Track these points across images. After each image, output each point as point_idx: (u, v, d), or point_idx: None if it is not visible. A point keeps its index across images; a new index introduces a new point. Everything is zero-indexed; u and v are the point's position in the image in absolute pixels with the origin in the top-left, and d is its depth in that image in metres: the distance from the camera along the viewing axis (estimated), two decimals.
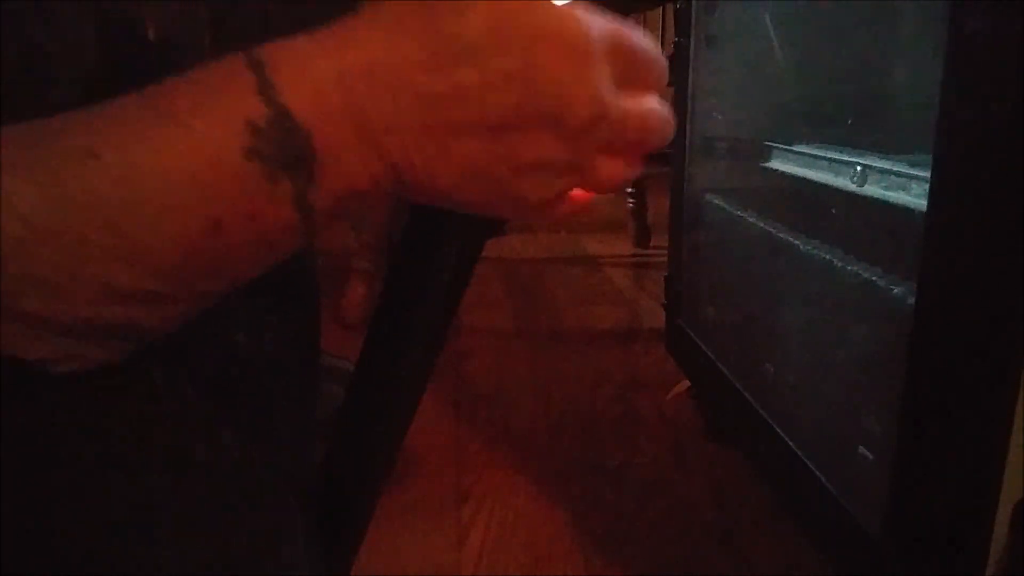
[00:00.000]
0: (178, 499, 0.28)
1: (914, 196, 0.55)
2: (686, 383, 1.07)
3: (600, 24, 0.29)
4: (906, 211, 0.54)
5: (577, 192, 0.33)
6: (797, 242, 0.69)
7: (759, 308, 0.79)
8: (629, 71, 0.30)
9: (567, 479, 0.92)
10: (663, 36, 3.04)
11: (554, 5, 0.29)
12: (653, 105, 0.31)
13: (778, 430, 0.67)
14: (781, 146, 0.79)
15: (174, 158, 0.26)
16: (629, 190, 1.90)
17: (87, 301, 0.26)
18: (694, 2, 0.90)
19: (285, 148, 0.27)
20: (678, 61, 0.94)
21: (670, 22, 2.81)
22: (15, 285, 0.25)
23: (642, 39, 0.31)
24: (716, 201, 0.91)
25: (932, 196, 0.43)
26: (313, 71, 0.28)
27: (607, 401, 1.14)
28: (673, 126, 0.32)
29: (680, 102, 0.96)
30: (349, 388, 0.44)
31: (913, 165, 0.57)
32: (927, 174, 0.43)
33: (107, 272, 0.26)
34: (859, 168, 0.63)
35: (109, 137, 0.26)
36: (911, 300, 0.46)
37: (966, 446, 0.41)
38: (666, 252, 1.05)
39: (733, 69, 0.90)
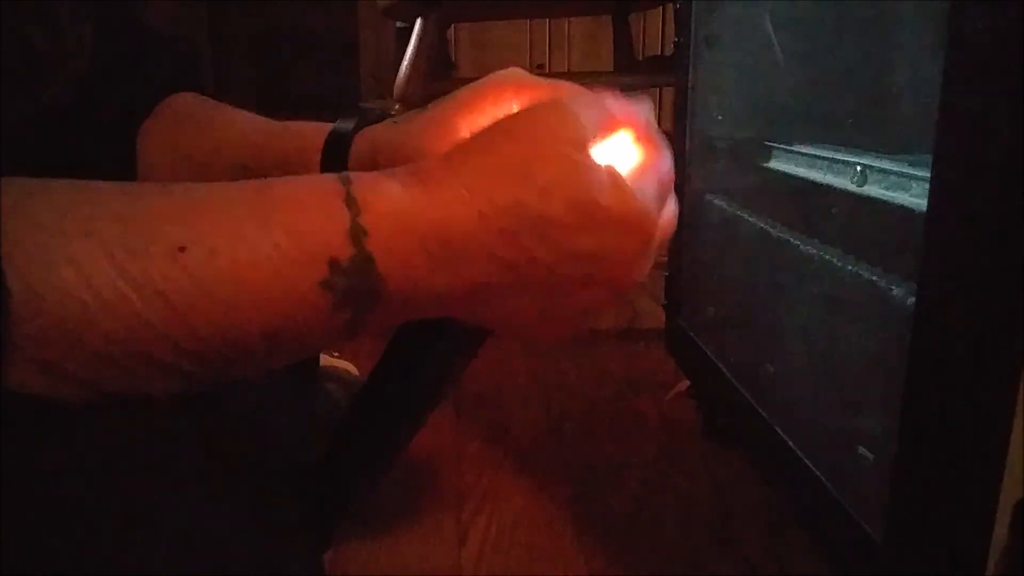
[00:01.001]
0: (176, 499, 0.28)
1: (914, 196, 0.55)
2: (686, 383, 1.07)
3: (653, 181, 0.34)
4: (906, 211, 0.54)
5: None
6: (797, 242, 0.69)
7: (759, 308, 0.79)
8: (664, 195, 0.35)
9: (567, 479, 0.92)
10: (663, 36, 3.04)
11: (627, 190, 0.32)
12: (671, 214, 0.36)
13: (778, 430, 0.67)
14: (781, 146, 0.79)
15: (255, 273, 0.28)
16: None
17: (132, 373, 0.27)
18: (694, 2, 0.90)
19: (359, 287, 0.29)
20: (678, 61, 0.94)
21: (670, 22, 2.81)
22: (70, 349, 0.26)
23: (668, 160, 0.36)
24: (716, 201, 0.91)
25: (932, 196, 0.43)
26: (404, 228, 0.30)
27: (606, 401, 1.14)
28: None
29: (680, 102, 0.96)
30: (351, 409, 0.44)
31: (913, 165, 0.57)
32: (927, 174, 0.43)
33: (155, 352, 0.27)
34: (859, 168, 0.63)
35: (199, 234, 0.27)
36: (911, 300, 0.46)
37: (966, 446, 0.41)
38: (666, 252, 1.05)
39: (733, 69, 0.90)
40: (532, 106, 0.34)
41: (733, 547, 0.79)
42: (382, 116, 0.44)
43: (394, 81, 1.52)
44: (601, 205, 0.31)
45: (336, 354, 0.98)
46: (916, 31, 0.61)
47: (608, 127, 0.35)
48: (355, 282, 0.29)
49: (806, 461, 0.62)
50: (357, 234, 0.29)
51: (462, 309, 0.33)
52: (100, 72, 0.42)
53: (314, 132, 0.44)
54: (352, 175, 0.31)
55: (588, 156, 0.31)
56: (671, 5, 1.25)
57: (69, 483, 0.26)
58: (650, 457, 0.97)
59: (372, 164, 0.41)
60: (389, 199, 0.30)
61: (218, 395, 0.36)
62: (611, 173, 0.32)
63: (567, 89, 0.37)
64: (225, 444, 0.32)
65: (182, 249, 0.27)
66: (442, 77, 1.75)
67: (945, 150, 0.41)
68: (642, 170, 0.35)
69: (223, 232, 0.28)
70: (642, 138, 0.37)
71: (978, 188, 0.39)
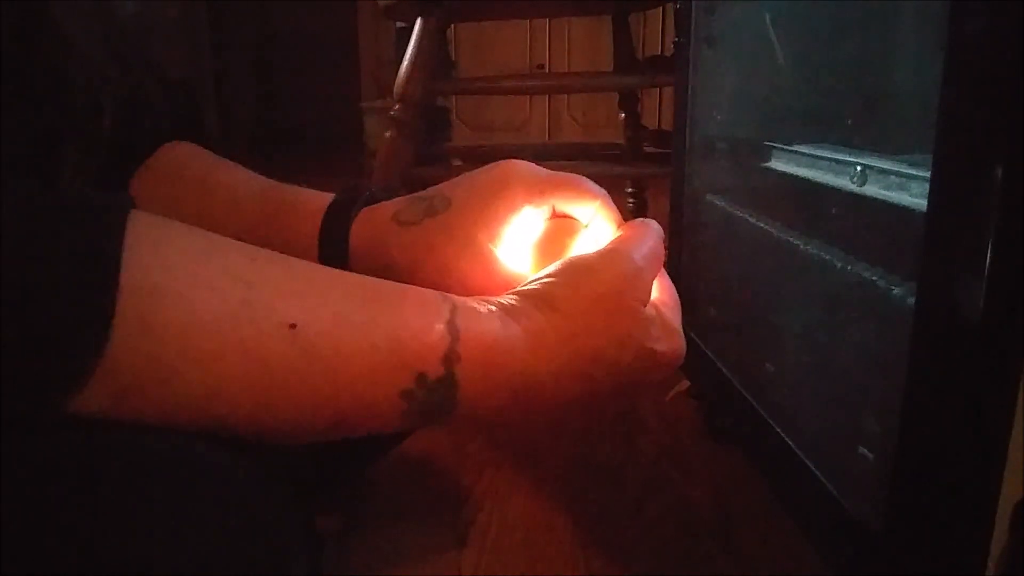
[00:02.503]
0: (175, 498, 0.28)
1: (914, 196, 0.55)
2: (686, 383, 1.07)
3: (678, 310, 0.42)
4: (906, 211, 0.54)
5: None
6: (797, 242, 0.69)
7: (759, 308, 0.79)
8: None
9: (567, 479, 0.92)
10: (663, 36, 3.05)
11: (676, 333, 0.39)
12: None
13: (778, 430, 0.67)
14: (781, 146, 0.79)
15: (348, 366, 0.29)
16: (629, 190, 1.90)
17: (195, 415, 0.28)
18: (694, 2, 0.90)
19: (435, 405, 0.31)
20: (678, 61, 0.94)
21: (670, 22, 2.81)
22: (146, 386, 0.26)
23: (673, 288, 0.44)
24: (716, 201, 0.91)
25: (932, 196, 0.43)
26: (495, 365, 0.32)
27: None
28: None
29: (680, 102, 0.96)
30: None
31: (913, 165, 0.57)
32: (927, 174, 0.43)
33: (240, 413, 0.28)
34: (859, 168, 0.63)
35: (311, 317, 0.29)
36: (911, 300, 0.46)
37: (966, 446, 0.41)
38: (666, 252, 1.05)
39: (733, 69, 0.90)
40: (605, 255, 0.38)
41: (733, 547, 0.79)
42: (378, 195, 0.45)
43: (394, 81, 1.52)
44: (659, 352, 0.36)
45: None
46: (916, 31, 0.61)
47: (657, 268, 0.41)
48: (433, 400, 0.31)
49: (806, 461, 0.62)
50: (450, 358, 0.31)
51: (511, 425, 0.38)
52: (112, 152, 0.43)
53: (314, 205, 0.45)
54: (456, 300, 0.33)
55: (648, 308, 0.37)
56: (671, 5, 1.25)
57: (68, 483, 0.26)
58: (650, 457, 0.97)
59: (378, 254, 0.42)
60: (488, 334, 0.32)
61: None
62: (664, 321, 0.38)
63: (576, 187, 0.43)
64: (224, 444, 0.32)
65: (293, 326, 0.28)
66: (442, 77, 1.75)
67: (945, 150, 0.41)
68: (671, 303, 0.42)
69: (332, 318, 0.29)
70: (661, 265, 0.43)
71: (978, 188, 0.39)
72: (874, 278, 0.56)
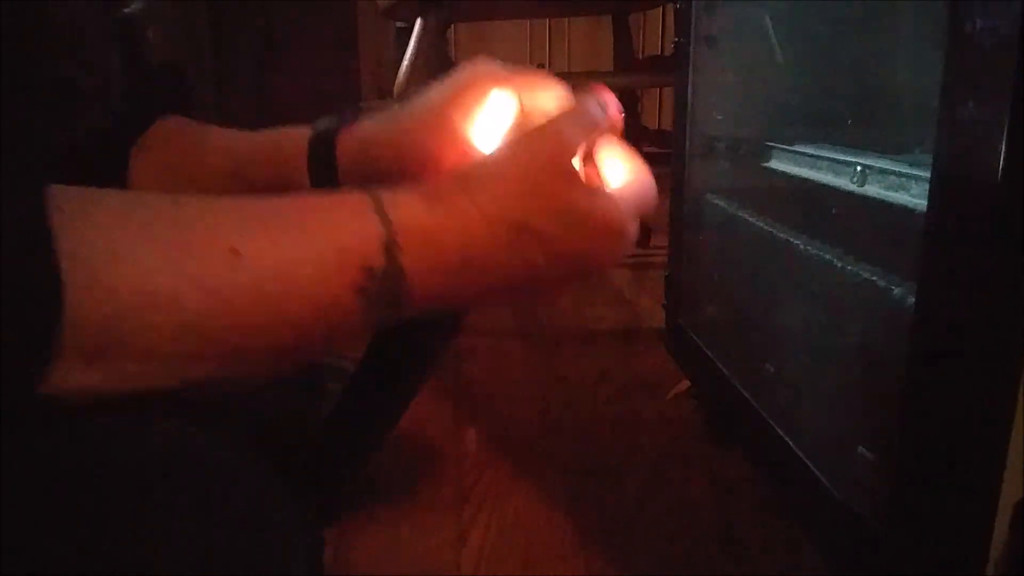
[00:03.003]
0: (175, 498, 0.28)
1: (914, 196, 0.55)
2: (686, 383, 1.07)
3: (632, 186, 0.41)
4: (906, 211, 0.54)
5: None
6: (797, 242, 0.69)
7: (759, 308, 0.79)
8: (639, 187, 0.42)
9: (567, 479, 0.92)
10: (663, 36, 3.05)
11: (608, 200, 0.38)
12: (645, 195, 0.42)
13: (778, 430, 0.67)
14: (781, 146, 0.79)
15: (299, 274, 0.31)
16: None
17: (173, 365, 0.29)
18: (694, 2, 0.90)
19: (388, 294, 0.32)
20: (678, 61, 0.94)
21: (670, 22, 2.81)
22: (117, 344, 0.27)
23: (646, 175, 0.43)
24: (716, 201, 0.91)
25: (932, 196, 0.43)
26: (429, 244, 0.34)
27: (607, 401, 1.14)
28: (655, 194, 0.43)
29: (680, 102, 0.96)
30: (346, 389, 0.46)
31: (913, 165, 0.57)
32: (927, 174, 0.43)
33: (204, 347, 0.29)
34: (859, 168, 0.63)
35: (250, 238, 0.30)
36: (911, 300, 0.46)
37: (966, 446, 0.41)
38: (666, 252, 1.05)
39: (733, 69, 0.90)
40: (531, 133, 0.39)
41: (733, 547, 0.79)
42: (357, 113, 0.46)
43: (394, 81, 1.52)
44: (589, 216, 0.36)
45: (337, 354, 0.98)
46: (916, 31, 0.61)
47: (591, 139, 0.40)
48: (386, 290, 0.32)
49: (806, 461, 0.62)
50: (391, 248, 0.32)
51: (465, 307, 0.38)
52: (126, 101, 0.44)
53: (299, 135, 0.47)
54: (380, 191, 0.34)
55: (577, 176, 0.37)
56: (671, 5, 1.25)
57: (68, 482, 0.26)
58: (650, 457, 0.97)
59: (364, 160, 0.43)
60: (416, 216, 0.34)
61: (216, 394, 0.36)
62: (594, 189, 0.38)
63: (539, 79, 0.43)
64: (225, 444, 0.32)
65: (235, 252, 0.29)
66: (442, 77, 1.75)
67: (945, 150, 0.41)
68: (621, 174, 0.41)
69: (270, 238, 0.30)
70: (615, 140, 0.42)
71: (978, 188, 0.39)
72: (874, 278, 0.56)
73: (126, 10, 0.47)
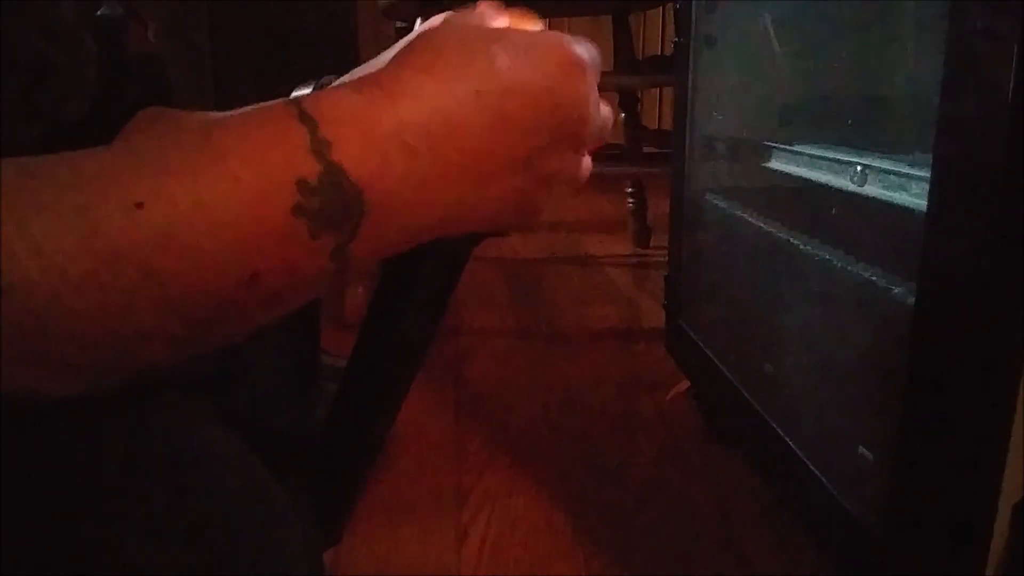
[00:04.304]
0: (173, 498, 0.28)
1: (914, 196, 0.55)
2: (686, 383, 1.07)
3: (583, 46, 0.34)
4: (906, 211, 0.54)
5: None
6: (797, 242, 0.69)
7: (759, 308, 0.79)
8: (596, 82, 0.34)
9: (567, 479, 0.92)
10: (663, 36, 3.04)
11: (530, 30, 0.34)
12: (607, 107, 0.36)
13: (778, 430, 0.67)
14: (781, 146, 0.79)
15: (220, 212, 0.26)
16: (629, 190, 1.90)
17: (118, 349, 0.26)
18: (694, 2, 0.90)
19: (334, 206, 0.27)
20: (678, 61, 0.94)
21: (670, 22, 2.81)
22: (44, 334, 0.25)
23: (593, 49, 0.35)
24: (716, 201, 0.91)
25: (932, 196, 0.43)
26: (370, 129, 0.28)
27: (607, 401, 1.14)
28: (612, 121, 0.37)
29: (680, 102, 0.96)
30: (341, 381, 0.44)
31: (913, 165, 0.57)
32: (927, 174, 0.43)
33: (141, 321, 0.26)
34: (859, 168, 0.63)
35: (154, 185, 0.26)
36: (911, 300, 0.46)
37: (966, 446, 0.41)
38: (666, 252, 1.05)
39: (733, 69, 0.90)
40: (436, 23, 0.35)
41: (733, 547, 0.79)
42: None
43: None
44: (532, 45, 0.32)
45: (336, 354, 0.98)
46: (916, 31, 0.61)
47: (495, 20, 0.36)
48: (329, 200, 0.27)
49: (806, 461, 0.62)
50: (319, 148, 0.27)
51: (445, 212, 0.31)
52: (107, 84, 0.42)
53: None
54: (301, 96, 0.29)
55: (506, 28, 0.34)
56: (671, 5, 1.25)
57: (68, 483, 0.26)
58: (650, 457, 0.97)
59: None
60: (347, 106, 0.29)
61: (216, 394, 0.36)
62: (527, 29, 0.35)
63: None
64: (223, 444, 0.32)
65: (139, 205, 0.25)
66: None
67: (945, 150, 0.41)
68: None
69: (178, 177, 0.26)
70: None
71: (978, 188, 0.39)
72: (874, 278, 0.56)
73: (103, 11, 0.46)
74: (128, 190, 0.25)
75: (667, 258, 1.05)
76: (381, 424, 0.46)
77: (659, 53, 2.92)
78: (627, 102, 1.79)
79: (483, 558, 0.77)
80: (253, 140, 0.27)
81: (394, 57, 0.32)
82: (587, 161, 0.36)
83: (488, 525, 0.83)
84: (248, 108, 0.29)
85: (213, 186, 0.26)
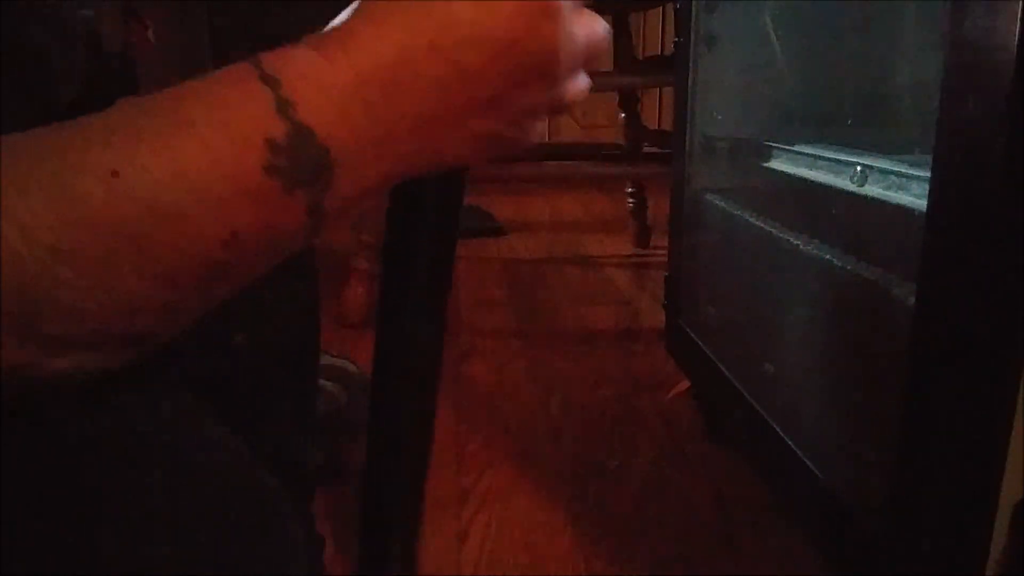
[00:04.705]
0: (175, 498, 0.28)
1: (914, 196, 0.55)
2: (686, 383, 1.07)
3: None
4: (906, 211, 0.54)
5: None
6: (797, 242, 0.69)
7: (759, 308, 0.79)
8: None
9: (567, 479, 0.92)
10: (663, 36, 3.04)
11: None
12: (598, 27, 0.36)
13: (778, 430, 0.67)
14: (781, 146, 0.79)
15: (194, 175, 0.27)
16: (629, 190, 1.90)
17: (106, 318, 0.26)
18: (694, 2, 0.90)
19: (303, 163, 0.28)
20: (678, 61, 0.94)
21: (670, 22, 2.81)
22: (34, 308, 0.25)
23: None
24: (716, 201, 0.91)
25: (932, 196, 0.43)
26: (330, 87, 0.29)
27: (607, 401, 1.14)
28: (608, 38, 0.37)
29: (680, 102, 0.96)
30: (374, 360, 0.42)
31: (913, 165, 0.57)
32: (927, 174, 0.43)
33: (129, 288, 0.26)
34: (859, 168, 0.63)
35: (128, 154, 0.26)
36: (911, 300, 0.46)
37: (966, 446, 0.41)
38: (666, 252, 1.05)
39: (733, 69, 0.90)
40: None
41: (733, 547, 0.79)
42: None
43: None
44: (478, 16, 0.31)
45: (336, 354, 0.98)
46: (916, 31, 0.61)
47: None
48: (299, 157, 0.28)
49: (806, 461, 0.62)
50: (284, 107, 0.28)
51: (413, 159, 0.31)
52: (96, 72, 0.42)
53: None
54: (260, 56, 0.29)
55: None
56: (671, 5, 1.25)
57: (68, 483, 0.26)
58: (650, 457, 0.97)
59: None
60: (306, 64, 0.29)
61: (217, 394, 0.36)
62: None
63: None
64: (224, 444, 0.32)
65: (115, 174, 0.26)
66: None
67: (945, 150, 0.41)
68: None
69: (150, 145, 0.27)
70: None
71: (978, 188, 0.39)
72: (874, 278, 0.56)
73: (84, 11, 0.47)
74: (103, 160, 0.26)
75: (667, 258, 1.05)
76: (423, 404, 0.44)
77: (659, 53, 2.92)
78: (627, 102, 1.79)
79: (483, 558, 0.77)
80: (219, 105, 0.28)
81: (354, 8, 0.32)
82: (581, 82, 0.35)
83: (488, 525, 0.83)
84: (213, 73, 0.29)
85: (185, 151, 0.27)
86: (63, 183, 0.25)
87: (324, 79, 0.29)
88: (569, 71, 0.33)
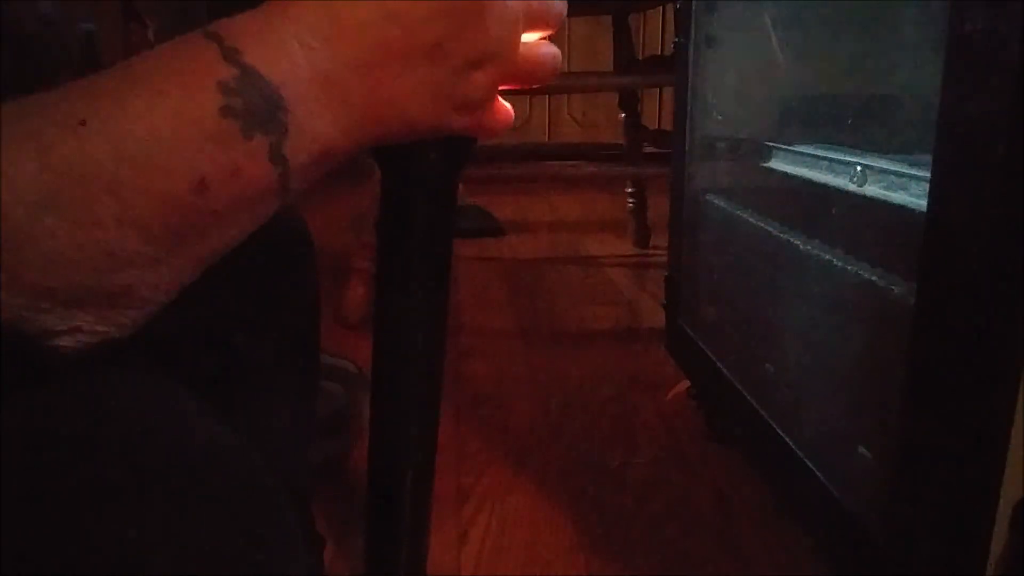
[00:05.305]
0: (174, 498, 0.28)
1: (914, 196, 0.55)
2: (686, 383, 1.07)
3: None
4: (906, 211, 0.54)
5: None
6: (797, 242, 0.69)
7: (759, 308, 0.79)
8: None
9: (567, 479, 0.92)
10: (663, 36, 3.05)
11: None
12: None
13: (778, 430, 0.67)
14: (781, 146, 0.79)
15: (155, 122, 0.28)
16: (629, 190, 1.90)
17: (89, 268, 0.28)
18: (694, 2, 0.90)
19: (257, 103, 0.29)
20: (678, 61, 0.94)
21: (670, 22, 2.81)
22: (19, 257, 0.26)
23: None
24: (716, 201, 0.91)
25: (932, 196, 0.43)
26: (268, 32, 0.30)
27: (607, 401, 1.14)
28: None
29: (680, 102, 0.96)
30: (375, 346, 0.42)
31: (913, 165, 0.57)
32: (927, 174, 0.43)
33: (107, 237, 0.28)
34: (859, 168, 0.63)
35: (94, 106, 0.28)
36: (911, 300, 0.46)
37: (966, 446, 0.41)
38: (666, 252, 1.05)
39: (733, 69, 0.90)
40: None
41: (733, 547, 0.79)
42: None
43: None
44: None
45: (336, 354, 0.98)
46: (916, 31, 0.61)
47: None
48: (251, 98, 0.29)
49: (806, 461, 0.62)
50: (230, 54, 0.29)
51: (365, 108, 0.32)
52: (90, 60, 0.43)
53: None
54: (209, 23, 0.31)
55: None
56: (671, 5, 1.25)
57: (68, 481, 0.26)
58: (650, 457, 0.97)
59: None
60: (246, 19, 0.31)
61: (217, 394, 0.36)
62: None
63: None
64: (224, 443, 0.32)
65: (82, 123, 0.27)
66: None
67: (945, 150, 0.41)
68: None
69: (110, 98, 0.28)
70: None
71: (978, 188, 0.39)
72: (874, 278, 0.56)
73: (85, 25, 0.47)
74: (69, 112, 0.28)
75: (667, 258, 1.05)
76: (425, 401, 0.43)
77: (659, 53, 2.92)
78: (627, 102, 1.79)
79: (483, 558, 0.77)
80: (170, 59, 0.30)
81: None
82: (557, 6, 0.36)
83: (488, 525, 0.83)
84: (171, 42, 0.32)
85: (143, 100, 0.29)
86: (38, 134, 0.27)
87: (264, 28, 0.30)
88: (507, 21, 0.33)
